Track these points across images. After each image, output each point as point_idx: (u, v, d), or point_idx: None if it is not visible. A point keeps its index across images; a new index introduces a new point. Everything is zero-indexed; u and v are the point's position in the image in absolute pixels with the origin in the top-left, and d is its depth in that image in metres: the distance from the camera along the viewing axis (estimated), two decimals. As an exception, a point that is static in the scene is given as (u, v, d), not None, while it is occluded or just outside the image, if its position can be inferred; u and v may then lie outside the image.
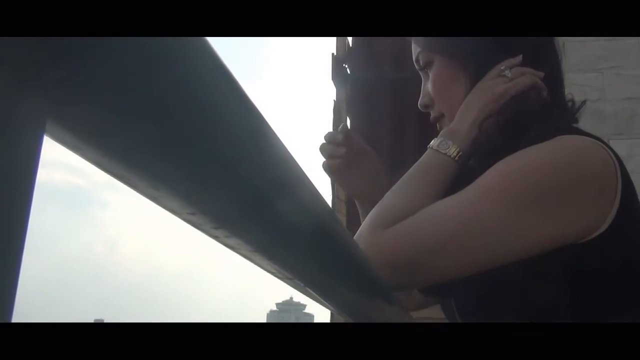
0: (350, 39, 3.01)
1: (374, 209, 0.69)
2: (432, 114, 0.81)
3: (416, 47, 0.81)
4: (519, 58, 0.74)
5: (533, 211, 0.60)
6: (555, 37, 0.79)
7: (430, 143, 0.74)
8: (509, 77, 0.73)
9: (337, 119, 2.83)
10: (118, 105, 0.13)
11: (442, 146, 0.72)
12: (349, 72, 2.94)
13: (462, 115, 0.74)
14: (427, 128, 0.94)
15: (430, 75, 0.79)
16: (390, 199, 0.70)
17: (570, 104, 0.76)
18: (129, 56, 0.12)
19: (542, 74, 0.74)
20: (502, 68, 0.73)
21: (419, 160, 0.73)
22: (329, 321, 2.42)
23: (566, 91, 0.78)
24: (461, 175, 0.71)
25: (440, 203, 0.65)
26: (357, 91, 2.90)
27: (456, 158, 0.71)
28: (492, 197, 0.61)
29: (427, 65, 0.79)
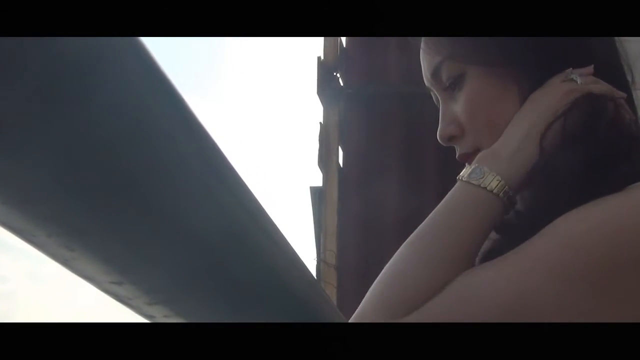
0: (343, 38, 3.06)
1: (380, 277, 0.68)
2: (461, 150, 0.79)
3: (434, 55, 0.79)
4: (590, 68, 0.75)
5: (601, 294, 0.61)
6: (617, 40, 0.80)
7: (461, 173, 0.73)
8: (577, 82, 0.74)
9: (326, 149, 2.85)
10: (24, 139, 0.13)
11: (475, 175, 0.70)
12: (341, 84, 2.98)
13: (508, 132, 0.73)
14: (452, 164, 0.94)
15: (464, 94, 0.76)
16: (404, 265, 0.68)
17: None
18: (45, 70, 0.13)
19: (624, 95, 0.75)
20: (570, 75, 0.74)
21: (444, 199, 0.72)
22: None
23: None
24: (509, 221, 0.70)
25: (476, 277, 0.64)
26: (352, 111, 2.93)
27: (500, 194, 0.70)
28: (547, 272, 0.61)
29: (455, 81, 0.77)
